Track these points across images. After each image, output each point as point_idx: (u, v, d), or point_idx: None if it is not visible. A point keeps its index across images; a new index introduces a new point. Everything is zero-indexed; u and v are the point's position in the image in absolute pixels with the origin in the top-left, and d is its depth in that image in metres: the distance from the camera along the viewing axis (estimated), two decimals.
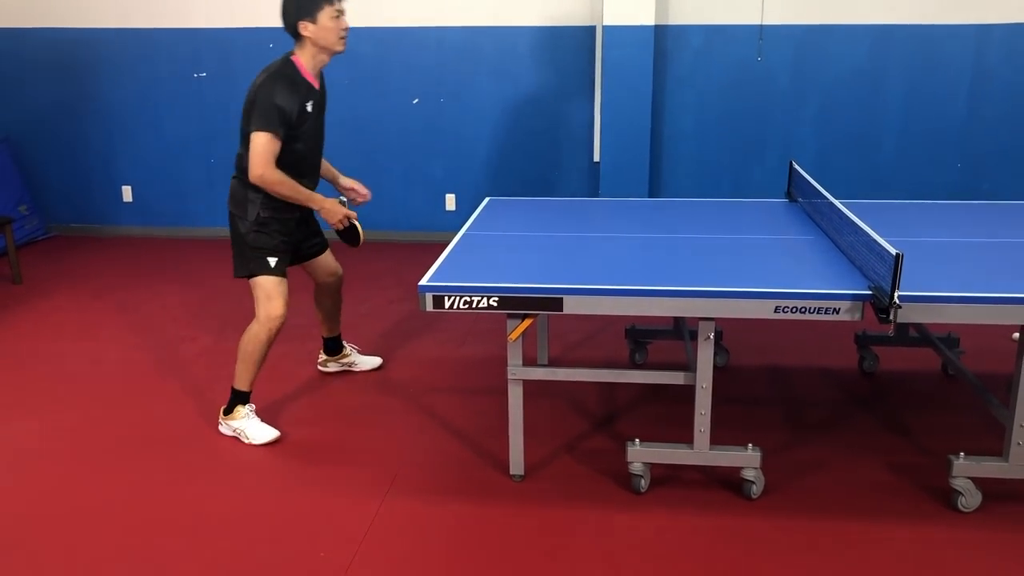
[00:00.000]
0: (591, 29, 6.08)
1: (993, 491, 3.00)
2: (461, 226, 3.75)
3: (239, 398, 3.58)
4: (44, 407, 3.92)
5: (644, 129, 6.02)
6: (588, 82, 6.20)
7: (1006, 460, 2.95)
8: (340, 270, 3.98)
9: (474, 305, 2.89)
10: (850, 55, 5.98)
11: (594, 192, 6.27)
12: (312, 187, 3.58)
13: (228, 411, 3.59)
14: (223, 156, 6.32)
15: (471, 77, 6.33)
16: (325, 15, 3.35)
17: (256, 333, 3.50)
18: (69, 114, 6.73)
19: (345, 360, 4.21)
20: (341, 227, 3.61)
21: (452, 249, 3.39)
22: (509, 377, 3.10)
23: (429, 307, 2.91)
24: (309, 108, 3.45)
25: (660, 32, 5.96)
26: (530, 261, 3.27)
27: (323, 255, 3.89)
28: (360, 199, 3.84)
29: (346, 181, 3.85)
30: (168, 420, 3.77)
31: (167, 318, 5.03)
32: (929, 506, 3.03)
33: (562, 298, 2.87)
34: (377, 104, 6.43)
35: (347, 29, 3.44)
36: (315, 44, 3.41)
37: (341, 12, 3.40)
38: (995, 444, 3.03)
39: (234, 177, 3.51)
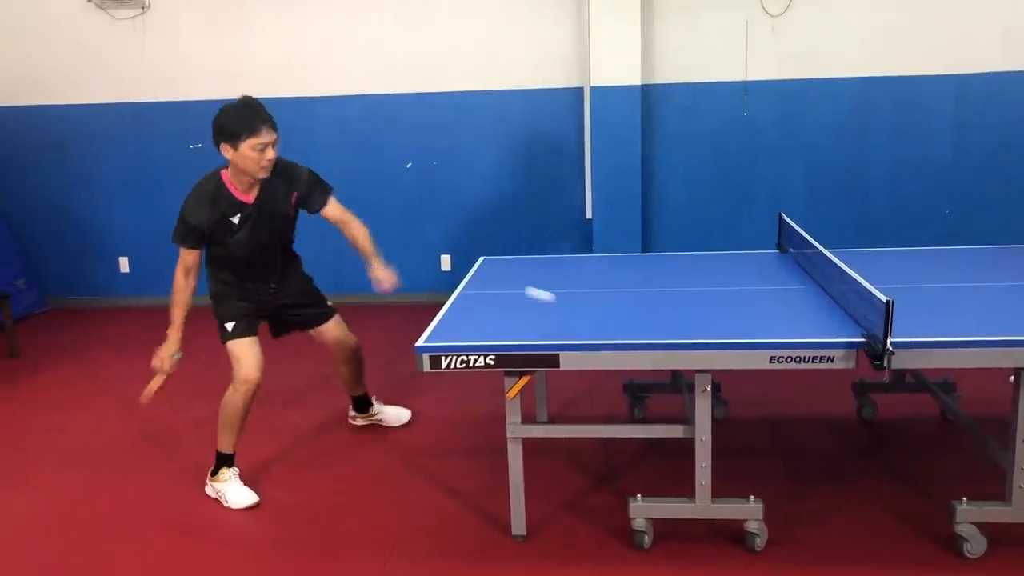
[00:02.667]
0: (579, 90, 6.19)
1: (999, 536, 2.98)
2: (457, 286, 3.78)
3: (223, 461, 3.64)
4: (41, 481, 3.90)
5: (635, 185, 6.10)
6: (578, 141, 6.29)
7: (1009, 504, 2.94)
8: (350, 342, 4.04)
9: (471, 364, 2.90)
10: (835, 108, 6.09)
11: (587, 249, 6.32)
12: (261, 288, 3.72)
13: (214, 473, 3.64)
14: None
15: (463, 140, 6.42)
16: (247, 145, 3.34)
17: (231, 397, 3.58)
18: (65, 188, 6.78)
19: (375, 417, 4.29)
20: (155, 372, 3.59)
21: (448, 309, 3.41)
22: (508, 435, 3.09)
23: (426, 367, 2.92)
24: (235, 220, 3.51)
25: (647, 91, 6.07)
26: (526, 319, 3.28)
27: (324, 326, 3.95)
28: (385, 286, 3.82)
29: (378, 271, 3.81)
30: (163, 492, 3.75)
31: (164, 388, 4.99)
32: (935, 553, 3.01)
33: (559, 354, 2.88)
34: (371, 169, 6.51)
35: (271, 160, 3.40)
36: (235, 166, 3.43)
37: (266, 145, 3.35)
38: (997, 488, 3.02)
39: None
